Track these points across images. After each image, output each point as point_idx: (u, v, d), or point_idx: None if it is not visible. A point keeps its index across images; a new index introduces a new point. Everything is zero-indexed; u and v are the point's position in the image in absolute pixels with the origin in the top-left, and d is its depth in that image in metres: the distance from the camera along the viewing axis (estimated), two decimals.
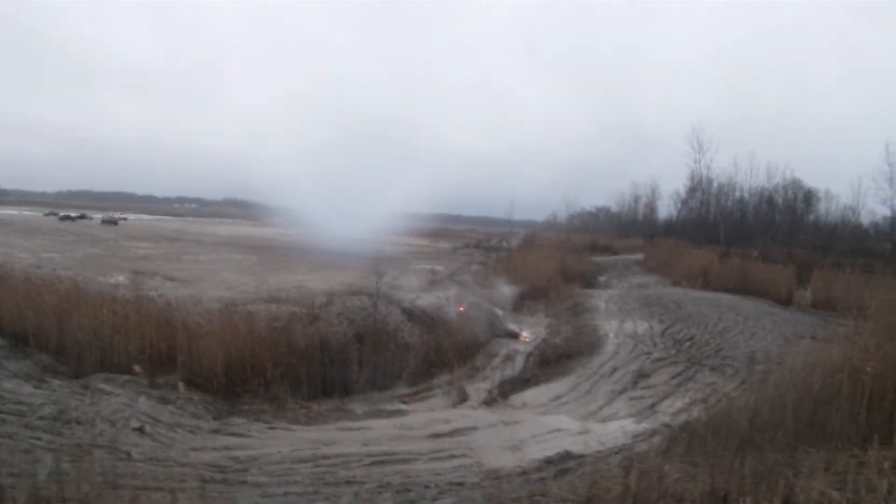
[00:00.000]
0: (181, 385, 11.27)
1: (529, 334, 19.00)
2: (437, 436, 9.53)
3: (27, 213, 74.88)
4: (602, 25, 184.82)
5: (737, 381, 12.97)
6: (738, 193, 53.56)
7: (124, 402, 9.81)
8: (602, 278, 36.30)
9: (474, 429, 9.96)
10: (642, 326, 19.38)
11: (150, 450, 8.13)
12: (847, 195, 52.58)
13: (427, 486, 6.86)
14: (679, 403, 11.87)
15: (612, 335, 18.07)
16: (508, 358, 16.30)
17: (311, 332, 13.09)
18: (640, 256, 44.85)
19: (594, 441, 8.99)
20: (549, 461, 7.87)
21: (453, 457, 8.40)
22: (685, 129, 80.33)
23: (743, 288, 28.56)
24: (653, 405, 12.05)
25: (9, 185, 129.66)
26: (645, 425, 10.23)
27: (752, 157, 54.89)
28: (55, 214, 70.98)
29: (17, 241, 35.33)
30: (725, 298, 25.96)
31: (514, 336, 18.86)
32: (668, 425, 9.43)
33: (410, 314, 16.95)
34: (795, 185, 52.32)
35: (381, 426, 10.22)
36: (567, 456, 8.03)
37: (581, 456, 8.06)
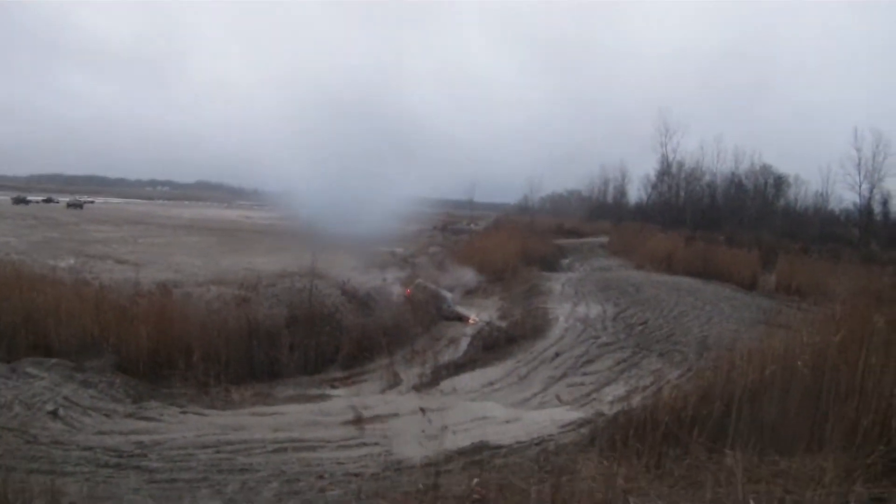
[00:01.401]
0: (107, 369, 11.03)
1: (478, 318, 18.72)
2: (353, 422, 9.25)
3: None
4: (573, 5, 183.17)
5: (683, 367, 12.82)
6: (707, 178, 53.84)
7: (47, 386, 9.74)
8: (565, 261, 36.05)
9: (395, 415, 9.72)
10: (595, 310, 19.21)
11: (58, 433, 8.17)
12: (817, 181, 52.73)
13: (321, 477, 6.65)
14: (620, 391, 11.66)
15: (561, 319, 17.90)
16: (452, 342, 16.09)
17: (238, 315, 12.73)
18: (605, 240, 44.80)
19: (519, 430, 8.76)
20: (461, 452, 7.63)
21: (364, 445, 8.17)
22: (654, 112, 79.87)
23: (706, 272, 28.54)
24: (590, 392, 11.86)
25: None
26: (578, 414, 9.96)
27: (719, 142, 54.71)
28: (23, 200, 68.76)
29: None
30: (687, 282, 25.94)
31: (463, 319, 18.59)
32: (602, 414, 9.23)
33: (352, 296, 16.66)
34: (765, 170, 52.57)
35: (297, 411, 9.95)
36: (482, 447, 7.80)
37: (499, 447, 7.82)
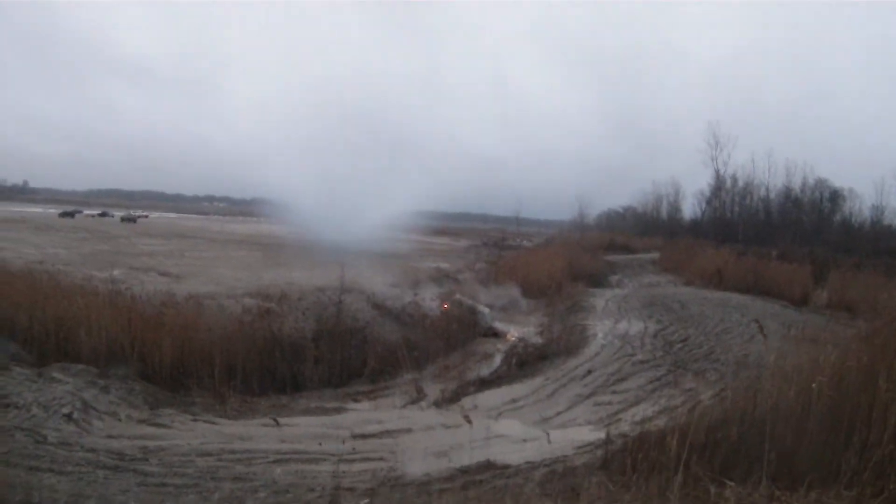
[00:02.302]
0: (130, 376, 11.23)
1: (517, 333, 18.39)
2: (363, 436, 9.11)
3: (52, 210, 74.68)
4: (617, 20, 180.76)
5: (718, 387, 12.21)
6: (762, 192, 52.18)
7: (69, 390, 9.95)
8: (614, 277, 35.38)
9: (408, 431, 9.52)
10: (636, 327, 18.70)
11: (68, 435, 8.29)
12: (871, 195, 50.43)
13: (311, 490, 6.52)
14: (649, 411, 11.19)
15: (600, 335, 17.46)
16: (485, 357, 15.87)
17: (262, 327, 12.76)
18: (657, 256, 43.78)
19: (533, 450, 8.48)
20: (463, 471, 7.40)
21: (367, 460, 7.99)
22: (703, 126, 78.02)
23: (756, 288, 27.66)
24: (617, 412, 11.42)
25: (37, 184, 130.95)
26: (598, 435, 9.60)
27: (771, 155, 52.91)
28: (75, 213, 70.12)
29: (30, 238, 35.59)
30: (736, 299, 25.07)
31: (500, 335, 18.30)
32: (625, 435, 8.86)
33: (385, 311, 16.57)
34: (821, 184, 50.64)
35: (308, 424, 9.84)
36: (487, 466, 7.55)
37: (506, 467, 7.57)
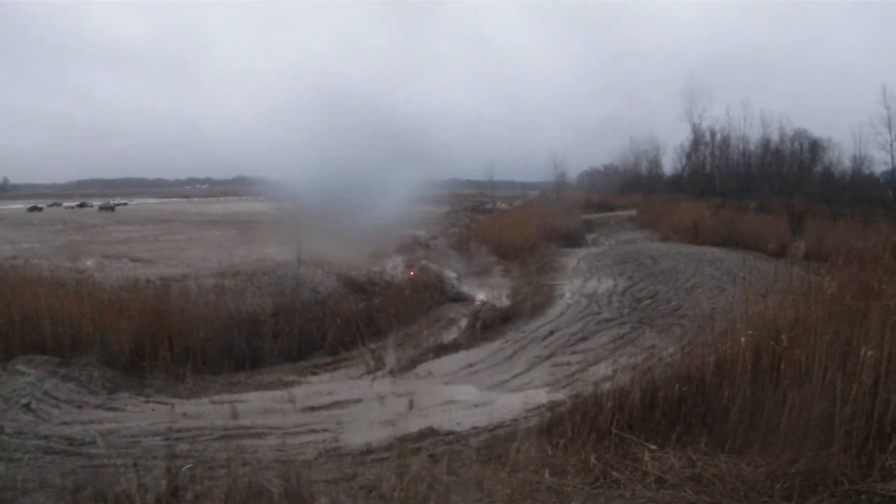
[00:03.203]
0: (92, 363, 11.38)
1: (485, 297, 18.47)
2: (312, 409, 9.27)
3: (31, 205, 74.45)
4: None
5: (682, 343, 12.37)
6: (741, 146, 52.05)
7: (30, 381, 10.25)
8: (591, 236, 35.47)
9: (358, 401, 9.65)
10: (606, 285, 18.80)
11: (24, 424, 8.55)
12: (850, 145, 50.32)
13: (245, 464, 6.58)
14: (609, 370, 11.31)
15: (567, 295, 17.58)
16: (451, 323, 15.91)
17: (219, 305, 12.82)
18: (635, 213, 43.83)
19: (483, 415, 8.58)
20: (404, 439, 7.51)
21: (312, 432, 8.12)
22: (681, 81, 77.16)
23: (733, 241, 27.68)
24: (576, 373, 11.48)
25: (18, 180, 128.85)
26: (555, 396, 9.71)
27: (746, 106, 52.71)
28: (37, 208, 69.02)
29: (5, 234, 35.48)
30: (710, 252, 25.11)
31: (468, 300, 18.37)
32: (579, 396, 8.96)
33: (348, 282, 16.60)
34: (801, 134, 50.43)
35: (259, 399, 9.99)
36: (429, 433, 7.67)
37: (449, 433, 7.70)
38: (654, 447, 5.07)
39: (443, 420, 8.25)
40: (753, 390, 5.54)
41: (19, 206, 72.30)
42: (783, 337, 5.65)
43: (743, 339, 5.86)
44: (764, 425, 5.19)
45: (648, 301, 16.63)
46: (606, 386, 6.69)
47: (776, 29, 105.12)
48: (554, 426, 6.67)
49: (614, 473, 4.76)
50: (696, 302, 16.20)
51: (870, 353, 4.71)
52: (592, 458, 5.06)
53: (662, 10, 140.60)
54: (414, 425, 8.16)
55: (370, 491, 4.87)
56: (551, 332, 13.90)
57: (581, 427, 5.92)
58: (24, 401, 9.34)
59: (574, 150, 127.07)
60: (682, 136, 62.34)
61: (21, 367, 10.84)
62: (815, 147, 50.38)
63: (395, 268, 19.79)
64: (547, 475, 5.05)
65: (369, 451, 7.15)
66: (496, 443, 6.92)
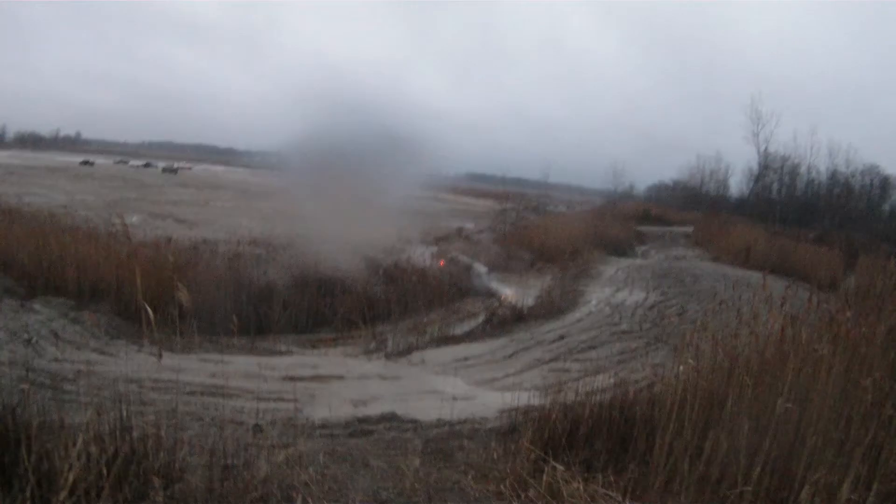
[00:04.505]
0: (104, 310, 12.02)
1: (512, 295, 18.31)
2: (290, 378, 9.35)
3: (100, 160, 75.18)
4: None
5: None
6: (807, 173, 50.11)
7: (41, 320, 10.93)
8: (642, 248, 34.70)
9: (339, 378, 9.74)
10: (636, 297, 18.44)
11: (18, 357, 8.85)
12: None
13: (200, 419, 6.79)
14: (607, 382, 11.10)
15: (593, 302, 17.34)
16: (469, 316, 15.82)
17: (235, 269, 13.17)
18: (692, 229, 42.68)
19: (455, 409, 8.53)
20: (362, 420, 7.61)
21: (281, 400, 8.22)
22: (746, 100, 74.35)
23: (784, 268, 26.57)
24: (569, 381, 11.27)
25: (91, 136, 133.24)
26: (538, 400, 9.61)
27: (813, 134, 50.86)
28: (88, 162, 69.04)
29: (64, 185, 36.88)
30: (757, 277, 24.00)
31: (496, 296, 18.27)
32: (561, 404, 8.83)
33: (371, 264, 16.75)
34: (872, 170, 48.51)
35: (245, 362, 10.16)
36: (390, 418, 7.76)
37: (411, 421, 7.80)
38: (580, 476, 4.85)
39: (412, 408, 8.30)
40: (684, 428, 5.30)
41: (74, 158, 73.95)
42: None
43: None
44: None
45: (674, 318, 16.17)
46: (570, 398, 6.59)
47: (851, 55, 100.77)
48: (515, 431, 6.66)
49: (530, 492, 4.64)
50: (724, 324, 15.69)
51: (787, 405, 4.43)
52: (520, 471, 5.00)
53: (738, 26, 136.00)
54: (379, 408, 8.24)
55: (287, 460, 4.90)
56: (561, 337, 13.71)
57: (535, 436, 5.81)
58: (26, 336, 9.81)
59: (636, 161, 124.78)
60: (747, 155, 60.69)
61: (37, 307, 11.53)
62: (886, 184, 48.28)
63: (423, 255, 19.77)
64: (470, 478, 5.04)
65: (324, 425, 7.24)
66: (451, 437, 6.90)
